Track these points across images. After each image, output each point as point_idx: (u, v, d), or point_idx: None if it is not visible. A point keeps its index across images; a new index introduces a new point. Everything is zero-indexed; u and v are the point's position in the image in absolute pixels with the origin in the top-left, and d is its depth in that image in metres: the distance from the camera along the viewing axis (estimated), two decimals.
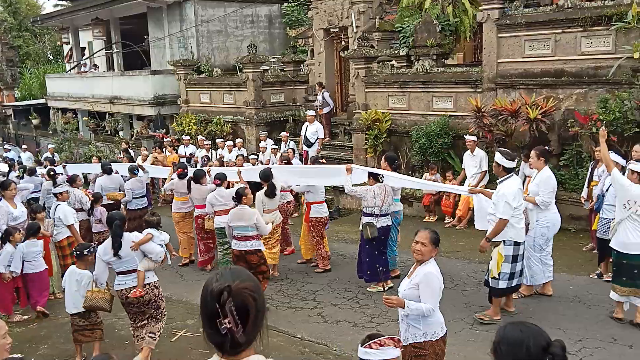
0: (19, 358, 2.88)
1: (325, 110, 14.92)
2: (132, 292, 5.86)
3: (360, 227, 7.84)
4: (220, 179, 8.90)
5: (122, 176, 11.55)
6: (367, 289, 7.93)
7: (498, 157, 6.51)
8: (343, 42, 15.67)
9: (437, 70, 12.22)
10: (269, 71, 17.11)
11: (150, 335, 5.97)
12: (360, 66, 13.28)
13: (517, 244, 6.45)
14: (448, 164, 11.72)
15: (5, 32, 34.10)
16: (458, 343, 5.95)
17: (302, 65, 17.73)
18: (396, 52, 14.17)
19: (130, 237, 5.92)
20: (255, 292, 1.94)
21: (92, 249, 6.33)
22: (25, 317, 7.69)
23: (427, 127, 11.61)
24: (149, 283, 5.97)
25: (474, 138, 10.57)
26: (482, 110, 10.58)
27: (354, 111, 13.77)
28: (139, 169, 11.31)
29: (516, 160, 6.78)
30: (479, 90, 11.23)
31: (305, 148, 13.75)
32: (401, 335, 4.44)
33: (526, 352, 2.28)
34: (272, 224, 8.26)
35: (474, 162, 10.58)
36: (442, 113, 11.84)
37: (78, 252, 6.31)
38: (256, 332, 1.95)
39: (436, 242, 4.50)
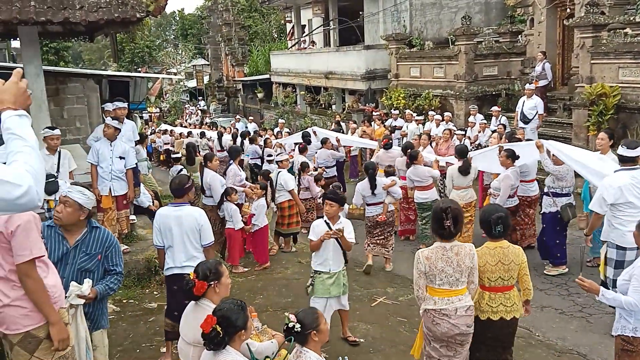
0: (241, 302, 3.21)
1: (542, 82, 13.82)
2: (379, 216, 8.14)
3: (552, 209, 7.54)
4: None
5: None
6: (545, 272, 7.68)
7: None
8: (568, 10, 14.33)
9: None
10: (483, 43, 16.41)
11: (388, 249, 8.35)
12: (587, 35, 12.03)
13: (621, 248, 5.42)
14: None
15: (238, 13, 37.79)
16: None
17: (519, 36, 16.67)
18: (631, 18, 12.57)
19: (382, 181, 8.26)
20: (459, 209, 4.24)
21: None
22: (246, 269, 8.56)
23: None
24: (390, 210, 8.36)
25: None
26: None
27: (576, 85, 12.59)
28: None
29: None
30: None
31: (521, 125, 12.73)
32: (614, 324, 4.11)
33: None
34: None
35: None
36: None
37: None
38: (459, 229, 4.21)
39: None
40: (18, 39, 9.40)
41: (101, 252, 3.93)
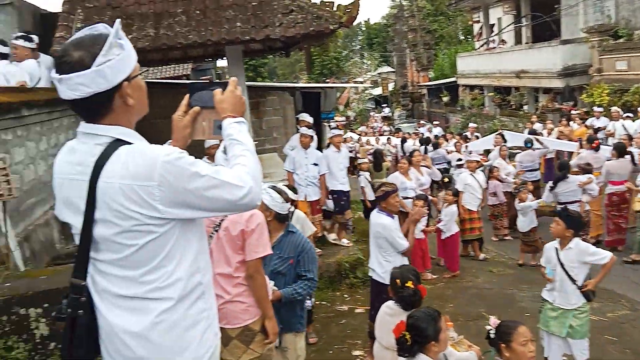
0: (435, 311, 3.13)
1: None
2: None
3: None
4: None
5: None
6: None
7: None
8: None
9: None
10: None
11: None
12: None
13: None
14: None
15: (424, 18, 37.62)
16: None
17: None
18: None
19: (576, 179, 7.94)
20: None
21: None
22: (435, 276, 8.41)
23: None
24: (586, 210, 7.99)
25: None
26: None
27: None
28: (533, 142, 11.06)
29: None
30: None
31: None
32: None
33: None
34: None
35: None
36: None
37: None
38: None
39: None
40: (224, 58, 10.39)
41: (294, 256, 4.00)
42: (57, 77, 1.60)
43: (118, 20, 1.69)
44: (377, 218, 5.15)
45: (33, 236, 5.14)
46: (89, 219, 1.67)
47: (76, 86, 1.59)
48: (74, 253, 4.93)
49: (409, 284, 3.64)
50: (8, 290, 3.53)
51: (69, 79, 1.58)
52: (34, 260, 4.88)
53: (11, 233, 4.35)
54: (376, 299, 4.80)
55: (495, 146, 11.97)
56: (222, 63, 22.14)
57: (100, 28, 1.68)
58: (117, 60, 1.62)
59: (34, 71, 6.50)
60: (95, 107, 1.66)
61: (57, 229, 5.85)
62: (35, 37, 7.15)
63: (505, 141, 11.76)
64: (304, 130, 7.99)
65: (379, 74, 46.66)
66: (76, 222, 1.72)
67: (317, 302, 7.10)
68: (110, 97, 1.65)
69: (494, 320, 3.20)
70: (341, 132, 9.89)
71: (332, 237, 8.46)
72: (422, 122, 25.84)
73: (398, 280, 3.71)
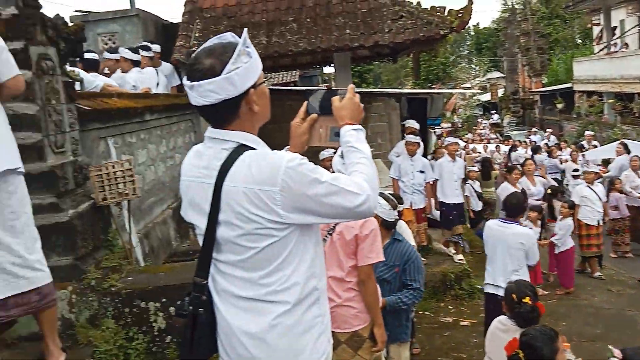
0: (552, 330, 2.95)
1: None
2: None
3: None
4: None
5: None
6: None
7: None
8: None
9: None
10: None
11: None
12: None
13: None
14: None
15: (538, 22, 36.02)
16: None
17: None
18: None
19: None
20: None
21: None
22: (546, 292, 7.98)
23: None
24: None
25: None
26: None
27: None
28: None
29: None
30: None
31: None
32: None
33: None
34: None
35: None
36: None
37: None
38: None
39: None
40: (331, 65, 10.51)
41: (399, 264, 3.97)
42: (188, 84, 1.68)
43: (245, 30, 1.75)
44: (515, 229, 4.87)
45: (152, 233, 5.46)
46: (213, 221, 1.73)
47: (206, 93, 1.65)
48: (189, 251, 5.22)
49: (527, 300, 3.47)
50: (130, 284, 3.77)
51: (199, 85, 1.65)
52: (152, 256, 5.19)
53: (133, 230, 4.65)
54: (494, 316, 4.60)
55: (617, 156, 11.18)
56: (328, 70, 22.49)
57: (229, 37, 1.75)
58: (245, 67, 1.67)
59: (152, 78, 6.96)
60: (223, 113, 1.72)
61: (173, 227, 6.18)
62: (156, 47, 7.64)
63: (628, 151, 10.96)
64: (410, 137, 7.89)
65: (487, 79, 45.32)
66: (200, 223, 1.79)
67: (420, 312, 6.97)
68: (237, 104, 1.70)
69: (618, 353, 2.95)
70: (457, 140, 9.62)
71: (452, 252, 8.22)
72: (533, 129, 24.69)
73: (514, 296, 3.54)
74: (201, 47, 1.73)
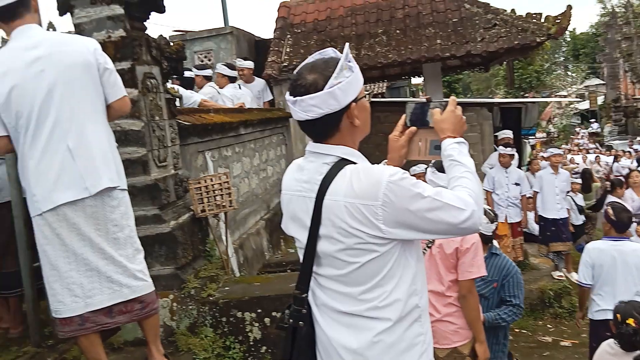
0: None
1: None
2: None
3: None
4: None
5: None
6: None
7: None
8: None
9: None
10: None
11: None
12: None
13: None
14: None
15: None
16: None
17: None
18: None
19: None
20: None
21: None
22: None
23: None
24: None
25: None
26: None
27: None
28: None
29: None
30: None
31: None
32: None
33: None
34: None
35: None
36: None
37: None
38: None
39: None
40: (419, 76, 10.38)
41: (498, 279, 3.83)
42: (291, 99, 1.70)
43: (347, 45, 1.75)
44: (631, 245, 4.43)
45: (246, 244, 5.60)
46: (313, 235, 1.73)
47: (309, 107, 1.66)
48: (282, 262, 5.29)
49: (630, 321, 3.22)
50: (227, 294, 3.87)
51: (302, 100, 1.67)
52: (246, 266, 5.31)
53: (230, 241, 4.78)
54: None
55: None
56: (416, 80, 22.24)
57: (330, 52, 1.76)
58: (347, 82, 1.67)
59: (236, 93, 7.17)
60: (325, 128, 1.72)
61: (265, 238, 6.31)
62: (249, 62, 7.89)
63: None
64: (503, 149, 7.63)
65: (585, 87, 43.09)
66: (301, 237, 1.80)
67: (517, 330, 6.71)
68: (339, 118, 1.70)
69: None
70: (560, 151, 9.17)
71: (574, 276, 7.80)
72: (638, 138, 23.16)
73: (619, 315, 3.32)
74: (303, 63, 1.75)
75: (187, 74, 6.40)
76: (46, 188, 2.67)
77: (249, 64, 7.86)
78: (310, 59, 1.75)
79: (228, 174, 4.57)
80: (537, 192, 7.79)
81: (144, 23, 4.02)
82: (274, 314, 3.67)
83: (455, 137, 1.88)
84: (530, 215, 8.40)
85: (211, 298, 3.78)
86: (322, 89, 1.64)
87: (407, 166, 2.30)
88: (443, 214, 1.63)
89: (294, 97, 1.69)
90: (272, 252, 6.35)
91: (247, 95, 7.28)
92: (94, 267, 2.73)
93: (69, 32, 3.59)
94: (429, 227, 1.65)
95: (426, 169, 4.67)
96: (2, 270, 3.44)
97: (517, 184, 7.49)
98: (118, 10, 3.67)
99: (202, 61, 9.51)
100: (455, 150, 1.84)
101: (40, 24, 2.84)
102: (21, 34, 2.72)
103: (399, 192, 1.61)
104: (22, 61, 2.66)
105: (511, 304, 3.84)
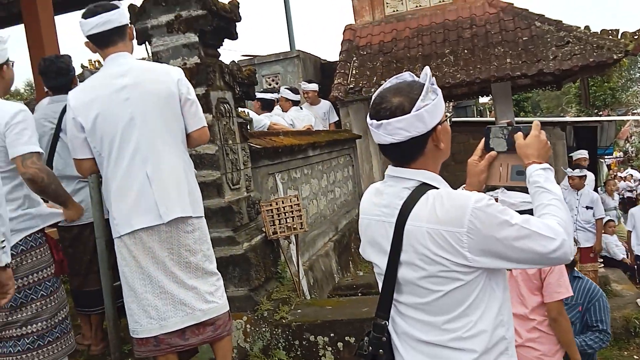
0: None
1: None
2: None
3: None
4: None
5: None
6: None
7: None
8: None
9: None
10: None
11: None
12: None
13: None
14: None
15: None
16: None
17: None
18: None
19: None
20: None
21: None
22: None
23: None
24: None
25: None
26: None
27: None
28: None
29: None
30: None
31: None
32: None
33: None
34: None
35: None
36: None
37: None
38: None
39: None
40: (486, 95, 10.17)
41: (582, 303, 3.66)
42: (375, 122, 1.68)
43: (427, 67, 1.73)
44: None
45: (315, 266, 5.60)
46: (394, 261, 1.70)
47: (396, 130, 1.65)
48: (352, 285, 5.24)
49: None
50: (300, 317, 3.87)
51: (388, 124, 1.65)
52: (316, 288, 5.31)
53: (300, 263, 4.80)
54: None
55: None
56: (483, 99, 21.79)
57: (407, 76, 1.74)
58: (433, 104, 1.65)
59: (299, 115, 7.26)
60: (409, 151, 1.70)
61: (334, 259, 6.30)
62: (314, 85, 7.98)
63: None
64: (571, 171, 7.35)
65: None
66: (380, 263, 1.77)
67: None
68: (425, 141, 1.68)
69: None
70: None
71: None
72: None
73: None
74: (383, 87, 1.73)
75: (267, 96, 6.63)
76: (125, 212, 2.78)
77: (314, 87, 7.95)
78: (389, 83, 1.74)
79: (298, 196, 4.60)
80: (631, 231, 7.40)
81: (218, 50, 4.15)
82: (347, 338, 3.64)
83: (541, 163, 1.81)
84: (611, 239, 8.00)
85: (284, 321, 3.79)
86: (409, 112, 1.62)
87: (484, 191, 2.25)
88: (532, 242, 1.57)
89: (378, 120, 1.67)
90: (341, 274, 6.33)
91: (311, 116, 7.35)
92: (168, 290, 2.81)
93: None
94: (517, 256, 1.59)
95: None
96: (85, 289, 3.58)
97: (589, 207, 7.17)
98: (193, 38, 3.81)
99: (269, 85, 9.70)
100: (542, 176, 1.78)
101: (131, 52, 2.97)
102: (112, 62, 2.87)
103: (485, 219, 1.56)
104: (110, 88, 2.80)
105: (597, 329, 3.65)
